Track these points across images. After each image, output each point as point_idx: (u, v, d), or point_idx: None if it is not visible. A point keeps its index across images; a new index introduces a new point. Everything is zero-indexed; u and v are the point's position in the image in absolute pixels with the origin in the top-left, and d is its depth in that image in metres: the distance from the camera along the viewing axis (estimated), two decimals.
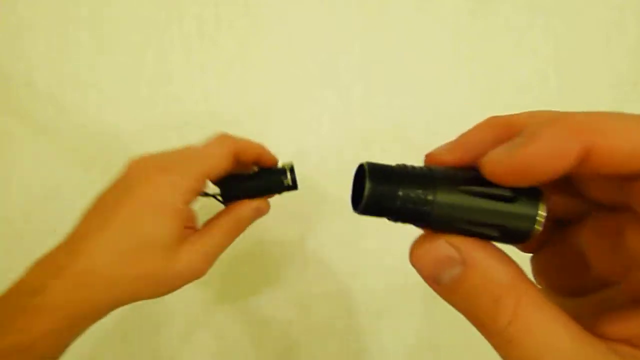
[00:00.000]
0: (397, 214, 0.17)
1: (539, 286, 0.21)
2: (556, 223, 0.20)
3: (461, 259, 0.15)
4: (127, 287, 0.29)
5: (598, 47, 0.54)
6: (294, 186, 0.39)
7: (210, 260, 0.34)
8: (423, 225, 0.17)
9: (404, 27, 0.54)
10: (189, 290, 0.53)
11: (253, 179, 0.38)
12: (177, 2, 0.56)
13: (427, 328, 0.53)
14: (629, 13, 0.54)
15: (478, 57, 0.54)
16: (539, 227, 0.16)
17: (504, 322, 0.14)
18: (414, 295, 0.53)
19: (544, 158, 0.14)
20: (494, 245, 0.16)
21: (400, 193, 0.16)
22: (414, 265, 0.16)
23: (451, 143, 0.18)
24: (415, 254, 0.16)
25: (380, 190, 0.16)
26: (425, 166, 0.18)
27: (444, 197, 0.16)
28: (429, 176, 0.17)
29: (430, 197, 0.16)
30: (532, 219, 0.16)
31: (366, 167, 0.17)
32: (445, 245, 0.16)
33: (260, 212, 0.37)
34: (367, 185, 0.16)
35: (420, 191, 0.16)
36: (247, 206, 0.36)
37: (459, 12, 0.54)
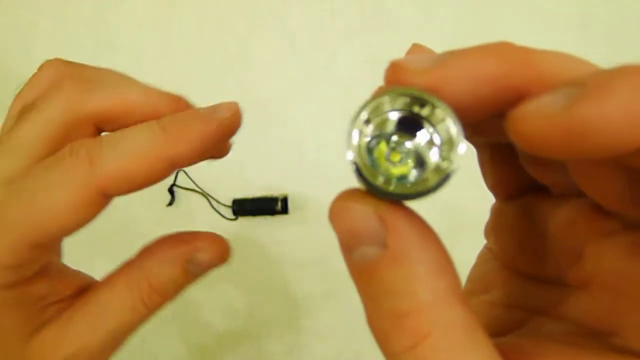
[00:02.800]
0: None
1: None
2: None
3: (383, 239, 0.11)
4: None
5: (598, 47, 0.54)
6: (284, 212, 0.52)
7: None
8: None
9: (404, 27, 0.54)
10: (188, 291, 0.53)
11: (253, 202, 0.52)
12: (178, 1, 0.56)
13: None
14: (629, 12, 0.54)
15: None
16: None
17: (400, 347, 0.11)
18: None
19: (615, 123, 0.09)
20: (438, 238, 0.11)
21: None
22: (330, 220, 0.12)
23: (436, 59, 0.12)
24: (334, 208, 0.12)
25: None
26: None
27: None
28: None
29: None
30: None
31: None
32: (368, 213, 0.11)
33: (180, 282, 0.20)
34: None
35: None
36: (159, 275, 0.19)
37: (460, 12, 0.54)
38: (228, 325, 0.54)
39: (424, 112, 0.12)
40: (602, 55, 0.54)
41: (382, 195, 0.11)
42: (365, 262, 0.11)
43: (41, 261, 0.18)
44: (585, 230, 0.14)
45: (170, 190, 0.54)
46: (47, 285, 0.18)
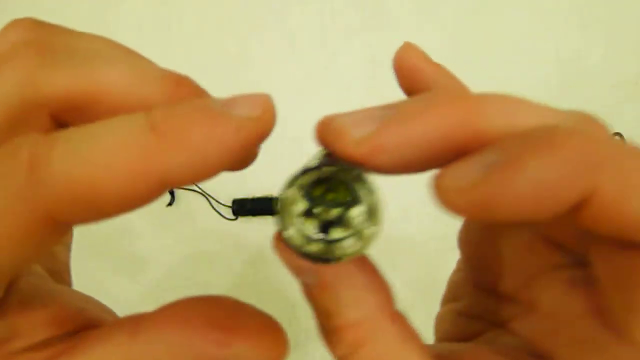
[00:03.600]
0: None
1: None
2: None
3: (315, 270, 0.13)
4: None
5: (599, 47, 0.54)
6: None
7: None
8: None
9: (404, 27, 0.54)
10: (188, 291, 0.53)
11: (253, 202, 0.51)
12: (178, 1, 0.56)
13: (428, 328, 0.53)
14: (629, 12, 0.54)
15: (478, 58, 0.53)
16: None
17: (340, 354, 0.13)
18: (415, 295, 0.53)
19: (529, 197, 0.09)
20: (368, 263, 0.13)
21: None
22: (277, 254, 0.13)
23: (374, 122, 0.11)
24: (276, 245, 0.13)
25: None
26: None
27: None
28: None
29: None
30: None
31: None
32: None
33: None
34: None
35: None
36: None
37: (460, 12, 0.54)
38: None
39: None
40: (602, 55, 0.54)
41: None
42: (306, 289, 0.13)
43: None
44: (537, 258, 0.14)
45: (170, 191, 0.54)
46: (3, 327, 0.12)
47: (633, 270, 0.11)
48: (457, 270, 0.18)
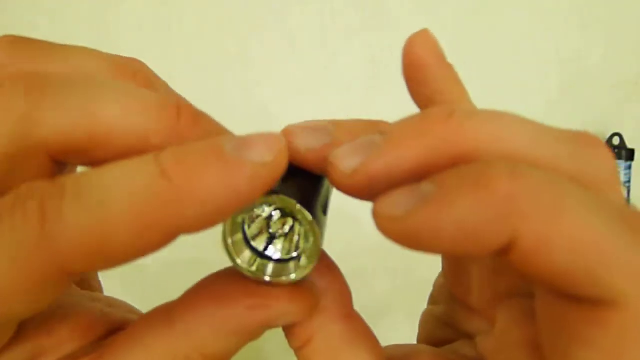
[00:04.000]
0: None
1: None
2: None
3: None
4: None
5: (599, 47, 0.54)
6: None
7: None
8: None
9: (404, 27, 0.54)
10: None
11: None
12: (178, 1, 0.56)
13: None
14: (629, 12, 0.54)
15: (478, 58, 0.53)
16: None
17: (294, 346, 0.14)
18: (414, 295, 0.53)
19: (453, 235, 0.10)
20: (329, 263, 0.14)
21: None
22: None
23: (362, 154, 0.11)
24: None
25: None
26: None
27: None
28: None
29: None
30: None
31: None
32: None
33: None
34: None
35: None
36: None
37: (460, 12, 0.54)
38: None
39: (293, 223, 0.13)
40: (602, 55, 0.54)
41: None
42: None
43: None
44: (503, 281, 0.15)
45: None
46: (25, 350, 0.12)
47: (561, 316, 0.11)
48: (441, 275, 0.19)
